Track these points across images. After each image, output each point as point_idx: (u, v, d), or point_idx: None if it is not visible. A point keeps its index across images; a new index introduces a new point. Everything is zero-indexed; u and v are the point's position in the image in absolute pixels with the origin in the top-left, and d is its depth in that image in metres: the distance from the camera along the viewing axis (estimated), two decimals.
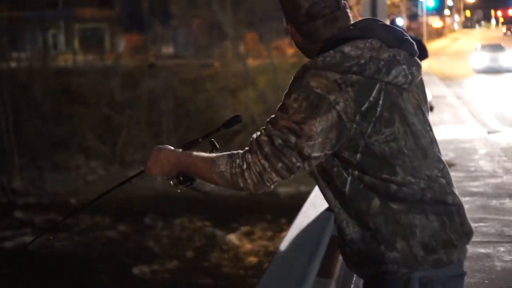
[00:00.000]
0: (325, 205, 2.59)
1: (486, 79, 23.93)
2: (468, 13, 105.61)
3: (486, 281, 4.39)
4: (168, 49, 31.96)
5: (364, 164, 2.02)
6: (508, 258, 4.82)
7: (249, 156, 2.01)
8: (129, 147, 21.84)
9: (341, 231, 2.10)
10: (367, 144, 2.00)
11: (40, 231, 16.22)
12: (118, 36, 35.80)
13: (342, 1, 2.13)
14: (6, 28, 31.39)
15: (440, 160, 2.11)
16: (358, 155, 2.01)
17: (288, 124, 1.97)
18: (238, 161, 2.02)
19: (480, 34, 68.66)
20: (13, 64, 28.32)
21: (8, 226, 16.78)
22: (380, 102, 2.00)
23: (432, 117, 8.22)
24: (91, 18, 38.25)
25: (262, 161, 1.99)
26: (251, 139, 2.04)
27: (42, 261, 13.53)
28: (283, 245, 2.38)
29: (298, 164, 1.98)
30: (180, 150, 2.20)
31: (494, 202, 6.50)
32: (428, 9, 58.02)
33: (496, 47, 30.44)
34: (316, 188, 2.62)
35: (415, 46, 2.14)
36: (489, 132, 11.61)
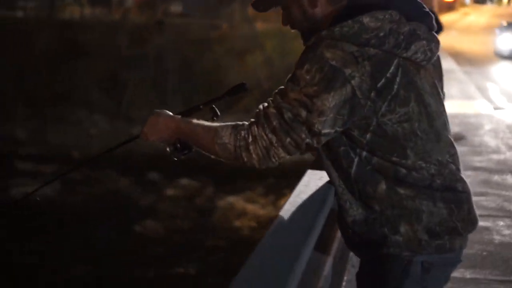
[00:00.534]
0: (326, 177, 2.54)
1: (497, 59, 23.72)
2: None
3: (484, 253, 4.51)
4: (177, 7, 31.78)
5: (373, 144, 1.92)
6: (506, 232, 4.90)
7: (255, 128, 1.90)
8: (134, 103, 21.81)
9: (344, 211, 2.02)
10: (379, 124, 1.89)
11: (41, 182, 16.34)
12: None
13: None
14: None
15: (452, 145, 2.03)
16: (369, 135, 1.91)
17: (299, 97, 1.85)
18: (243, 133, 1.91)
19: (491, 10, 68.06)
20: (19, 13, 28.16)
21: (10, 176, 16.85)
22: (397, 79, 1.89)
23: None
24: None
25: (270, 135, 1.87)
26: (258, 110, 1.93)
27: (44, 215, 13.62)
28: (279, 217, 2.30)
29: (307, 140, 1.88)
30: (179, 116, 2.09)
31: (496, 178, 6.57)
32: None
33: None
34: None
35: (434, 20, 2.04)
36: (495, 109, 11.61)
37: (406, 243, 1.94)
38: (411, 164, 1.92)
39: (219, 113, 2.10)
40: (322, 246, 2.79)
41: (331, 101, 1.83)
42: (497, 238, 4.80)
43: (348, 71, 1.83)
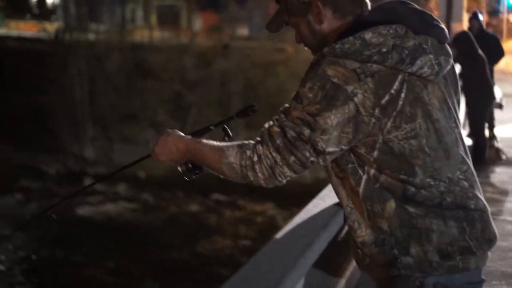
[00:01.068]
0: (335, 200, 2.52)
1: None
2: None
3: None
4: (243, 31, 32.13)
5: (381, 162, 1.87)
6: None
7: (260, 147, 1.88)
8: (198, 125, 22.14)
9: (353, 232, 1.98)
10: (385, 141, 1.86)
11: (106, 202, 16.71)
12: (195, 14, 36.17)
13: None
14: (86, 0, 32.09)
15: (464, 161, 1.96)
16: (376, 152, 1.87)
17: (302, 115, 1.84)
18: (248, 152, 1.89)
19: None
20: (91, 36, 28.91)
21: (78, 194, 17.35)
22: (402, 95, 1.85)
23: (501, 115, 8.18)
24: None
25: (274, 154, 1.85)
26: (263, 129, 1.91)
27: (117, 233, 14.01)
28: (282, 231, 2.30)
29: (312, 158, 1.85)
30: (190, 136, 2.08)
31: None
32: (509, 5, 56.44)
33: None
34: None
35: (446, 32, 1.98)
36: None
37: (417, 264, 1.89)
38: (420, 182, 1.87)
39: (230, 134, 2.09)
40: (334, 268, 2.75)
41: (333, 119, 1.81)
42: None
43: (350, 88, 1.81)
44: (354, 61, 1.82)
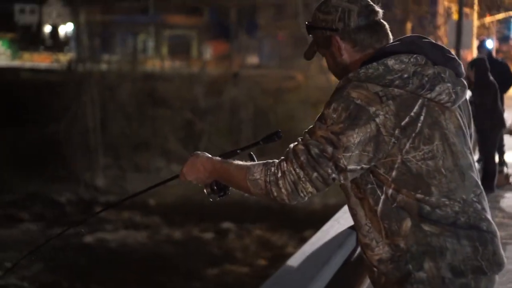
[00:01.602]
0: (349, 222, 2.55)
1: None
2: None
3: None
4: (253, 59, 32.39)
5: (399, 182, 1.95)
6: None
7: (285, 164, 1.95)
8: (209, 152, 22.24)
9: (370, 250, 2.04)
10: (403, 161, 1.94)
11: (118, 228, 16.76)
12: (205, 44, 36.51)
13: (380, 10, 2.12)
14: (98, 31, 32.51)
15: (477, 185, 2.04)
16: (394, 172, 1.95)
17: (326, 134, 1.92)
18: (273, 169, 1.97)
19: None
20: (103, 66, 29.25)
21: (89, 222, 17.42)
22: (422, 118, 1.95)
23: (510, 141, 8.16)
24: (180, 24, 39.17)
25: (297, 170, 1.93)
26: (288, 148, 1.99)
27: (107, 256, 14.05)
28: (296, 256, 2.30)
29: (333, 175, 1.92)
30: (218, 158, 2.15)
31: None
32: None
33: None
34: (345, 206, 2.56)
35: (462, 67, 2.09)
36: None
37: (430, 280, 1.95)
38: (435, 201, 1.95)
39: (255, 159, 2.15)
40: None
41: (355, 137, 1.90)
42: None
43: (372, 109, 1.91)
44: (377, 85, 1.94)
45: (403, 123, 1.93)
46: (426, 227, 1.95)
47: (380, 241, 2.00)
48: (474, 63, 8.41)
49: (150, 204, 18.14)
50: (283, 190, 1.95)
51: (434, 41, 2.09)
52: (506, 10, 38.53)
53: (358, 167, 1.93)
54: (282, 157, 1.98)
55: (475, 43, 17.86)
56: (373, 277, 2.08)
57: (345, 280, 2.73)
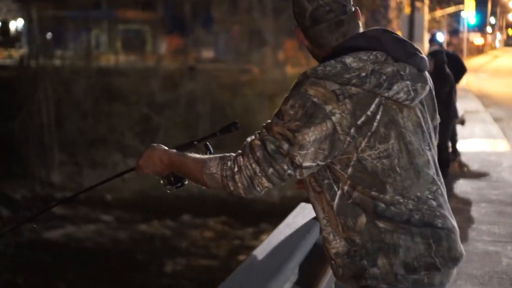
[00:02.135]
0: (313, 213, 2.57)
1: None
2: (510, 31, 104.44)
3: (491, 273, 4.93)
4: (209, 53, 32.37)
5: (354, 179, 1.97)
6: None
7: (241, 159, 1.97)
8: (167, 147, 22.27)
9: (328, 243, 2.07)
10: (359, 159, 1.96)
11: (75, 224, 16.67)
12: (160, 38, 36.33)
13: (350, 6, 2.08)
14: (50, 26, 32.09)
15: (434, 182, 2.06)
16: (350, 169, 1.97)
17: (283, 130, 1.94)
18: (229, 163, 1.99)
19: None
20: (57, 62, 28.94)
21: (45, 219, 17.25)
22: (378, 117, 1.96)
23: (462, 130, 8.50)
24: (134, 19, 38.87)
25: (254, 165, 1.95)
26: (245, 142, 2.00)
27: (69, 253, 13.99)
28: (260, 249, 2.30)
29: (289, 171, 1.95)
30: (174, 150, 2.16)
31: (509, 209, 6.93)
32: (469, 26, 57.63)
33: None
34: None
35: (426, 61, 2.08)
36: None
37: (383, 276, 1.98)
38: (390, 199, 1.97)
39: (212, 150, 2.18)
40: (312, 279, 2.81)
41: (311, 135, 1.91)
42: (505, 260, 5.21)
43: (329, 108, 1.92)
44: (334, 83, 1.93)
45: (359, 122, 1.94)
46: (380, 224, 1.97)
47: (337, 235, 2.03)
48: (433, 55, 8.64)
49: (107, 200, 18.07)
50: (239, 184, 1.97)
51: (398, 36, 2.06)
52: (456, 3, 39.30)
53: (314, 164, 1.95)
54: (239, 151, 2.00)
55: (427, 36, 18.21)
56: (332, 268, 2.12)
57: (311, 268, 2.80)
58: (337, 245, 2.04)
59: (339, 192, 1.99)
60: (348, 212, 1.99)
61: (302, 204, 3.04)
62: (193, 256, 14.26)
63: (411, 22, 15.18)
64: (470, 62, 50.97)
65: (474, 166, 9.39)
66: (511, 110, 19.56)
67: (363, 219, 1.97)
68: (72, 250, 14.70)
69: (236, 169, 1.97)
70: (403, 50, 2.02)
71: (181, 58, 28.71)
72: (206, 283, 12.56)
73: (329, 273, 2.93)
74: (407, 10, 23.52)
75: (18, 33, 57.12)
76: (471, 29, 63.08)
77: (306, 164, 1.94)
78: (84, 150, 22.14)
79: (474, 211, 6.76)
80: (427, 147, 2.07)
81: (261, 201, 15.75)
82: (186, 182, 2.16)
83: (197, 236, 15.89)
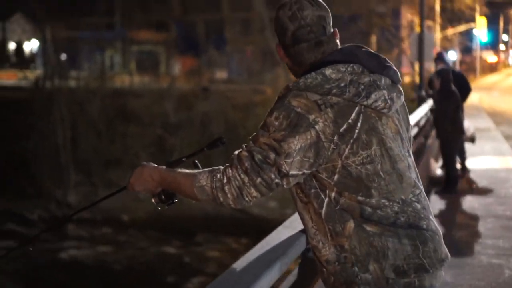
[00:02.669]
0: (299, 227, 2.63)
1: None
2: None
3: (494, 284, 5.08)
4: (222, 74, 32.69)
5: (341, 185, 2.03)
6: None
7: (230, 170, 2.02)
8: (181, 167, 22.43)
9: (318, 252, 2.12)
10: (344, 165, 2.02)
11: (92, 245, 16.85)
12: (174, 59, 36.69)
13: (330, 28, 2.16)
14: (64, 47, 32.49)
15: (416, 185, 2.13)
16: (336, 176, 2.03)
17: (269, 141, 2.00)
18: (218, 175, 2.04)
19: None
20: (71, 83, 29.24)
21: (61, 239, 17.44)
22: (359, 124, 2.03)
23: (473, 148, 8.63)
24: (148, 40, 39.28)
25: (242, 175, 2.00)
26: (233, 155, 2.06)
27: (85, 272, 14.16)
28: (242, 260, 2.32)
29: (276, 180, 2.00)
30: (164, 167, 2.21)
31: None
32: (481, 43, 57.64)
33: None
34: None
35: (399, 74, 2.17)
36: None
37: (375, 281, 2.03)
38: (375, 202, 2.04)
39: (200, 166, 2.21)
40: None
41: (296, 144, 1.98)
42: (507, 272, 5.36)
43: (312, 117, 1.99)
44: (316, 93, 2.02)
45: (341, 130, 2.01)
46: (368, 228, 2.03)
47: (326, 242, 2.09)
48: (440, 73, 8.91)
49: (123, 220, 18.26)
50: (229, 195, 2.02)
51: (371, 51, 2.16)
52: (467, 22, 39.41)
53: (300, 173, 2.02)
54: (227, 164, 2.06)
55: (433, 55, 18.30)
56: (323, 277, 2.17)
57: (299, 280, 2.84)
58: (326, 252, 2.09)
59: (326, 200, 2.05)
60: (336, 219, 2.05)
61: (292, 218, 3.05)
62: (209, 276, 14.38)
63: (421, 41, 15.34)
64: (483, 81, 51.03)
65: (482, 183, 9.49)
66: None
67: (351, 224, 2.04)
68: (89, 270, 14.87)
69: (225, 180, 2.02)
70: (377, 63, 2.12)
71: (194, 79, 28.94)
72: None
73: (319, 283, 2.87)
74: (418, 29, 23.67)
75: (32, 54, 57.77)
76: (484, 46, 63.11)
77: (292, 172, 2.00)
78: (99, 170, 22.36)
79: (481, 226, 6.89)
80: (407, 153, 2.16)
81: (277, 220, 15.86)
82: (176, 200, 2.22)
83: (211, 255, 16.01)
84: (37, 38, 45.13)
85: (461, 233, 6.60)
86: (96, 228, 17.93)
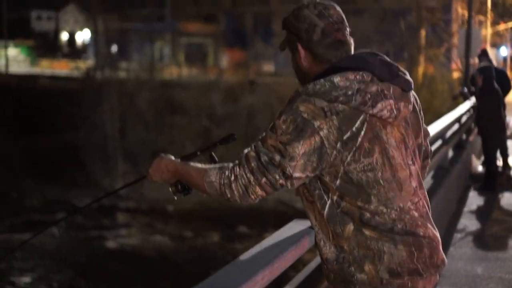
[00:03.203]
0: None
1: None
2: None
3: None
4: (269, 67, 32.73)
5: (342, 190, 2.09)
6: None
7: (237, 169, 2.09)
8: (226, 159, 22.67)
9: (319, 249, 2.21)
10: (345, 171, 2.07)
11: (138, 233, 17.15)
12: (221, 51, 36.91)
13: (347, 29, 2.21)
14: (116, 38, 33.04)
15: (415, 194, 2.19)
16: (338, 181, 2.09)
17: (275, 143, 2.05)
18: (227, 172, 2.11)
19: None
20: (121, 74, 29.68)
21: (110, 227, 17.84)
22: (362, 132, 2.07)
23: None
24: (197, 32, 39.60)
25: (248, 174, 2.07)
26: (241, 153, 2.12)
27: (134, 260, 14.47)
28: (247, 252, 2.34)
29: (281, 181, 2.06)
30: (179, 160, 2.31)
31: None
32: None
33: None
34: None
35: (411, 83, 2.20)
36: None
37: (370, 281, 2.11)
38: (374, 209, 2.10)
39: (217, 159, 2.30)
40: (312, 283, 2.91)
41: (300, 148, 2.04)
42: None
43: (317, 123, 2.04)
44: (323, 100, 2.06)
45: (344, 137, 2.05)
46: (366, 232, 2.10)
47: (327, 241, 2.17)
48: (482, 71, 8.90)
49: (168, 210, 18.58)
50: (235, 192, 2.10)
51: (385, 58, 2.19)
52: None
53: (303, 175, 2.08)
54: (236, 162, 2.13)
55: (490, 51, 18.05)
56: (325, 273, 2.26)
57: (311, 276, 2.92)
58: (327, 251, 2.17)
59: (329, 202, 2.12)
60: (337, 220, 2.12)
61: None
62: None
63: (468, 37, 15.21)
64: None
65: None
66: None
67: (350, 227, 2.11)
68: (138, 258, 15.16)
69: (232, 178, 2.10)
70: (388, 71, 2.15)
71: (242, 71, 29.10)
72: None
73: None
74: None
75: (84, 45, 58.70)
76: None
77: (296, 174, 2.05)
78: (147, 161, 22.68)
79: None
80: (410, 162, 2.20)
81: None
82: (192, 191, 2.32)
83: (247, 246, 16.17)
84: (89, 29, 45.82)
85: (495, 228, 6.64)
86: (141, 217, 18.29)
